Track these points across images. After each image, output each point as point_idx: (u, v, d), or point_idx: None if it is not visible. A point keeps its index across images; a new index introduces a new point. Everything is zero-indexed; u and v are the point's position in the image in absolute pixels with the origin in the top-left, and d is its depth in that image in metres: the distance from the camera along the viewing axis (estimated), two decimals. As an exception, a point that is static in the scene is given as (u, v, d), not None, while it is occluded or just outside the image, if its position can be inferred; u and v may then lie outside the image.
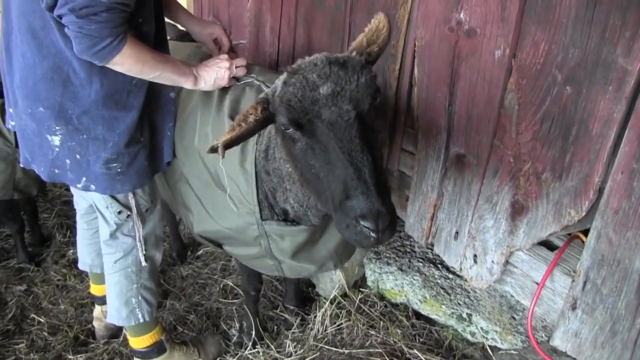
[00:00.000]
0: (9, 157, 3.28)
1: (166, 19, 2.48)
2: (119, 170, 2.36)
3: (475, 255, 2.47)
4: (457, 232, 2.56)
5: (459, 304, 2.89)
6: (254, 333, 3.10)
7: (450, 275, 3.03)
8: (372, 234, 1.62)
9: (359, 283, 3.45)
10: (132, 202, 2.52)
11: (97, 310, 3.19)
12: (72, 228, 4.15)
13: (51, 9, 1.92)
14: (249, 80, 2.48)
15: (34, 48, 2.12)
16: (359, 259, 3.32)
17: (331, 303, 3.24)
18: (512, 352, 2.62)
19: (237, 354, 3.08)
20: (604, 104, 1.76)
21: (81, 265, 3.11)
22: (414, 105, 2.61)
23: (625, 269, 1.87)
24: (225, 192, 2.38)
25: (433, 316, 3.03)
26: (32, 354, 3.06)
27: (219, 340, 3.13)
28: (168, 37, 2.51)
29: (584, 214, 1.93)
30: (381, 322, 3.10)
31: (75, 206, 2.95)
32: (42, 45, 2.10)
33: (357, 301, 3.26)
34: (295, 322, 3.27)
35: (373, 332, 3.03)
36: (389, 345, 2.92)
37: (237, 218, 2.38)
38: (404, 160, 2.85)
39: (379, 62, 2.07)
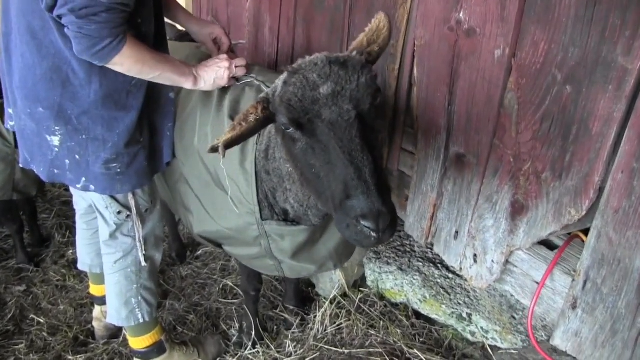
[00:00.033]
0: (8, 157, 3.28)
1: (165, 19, 2.48)
2: (119, 170, 2.36)
3: (475, 255, 2.47)
4: (457, 232, 2.56)
5: (459, 303, 2.89)
6: (253, 333, 3.10)
7: (450, 275, 3.03)
8: (373, 234, 1.62)
9: (359, 283, 3.45)
10: (132, 203, 2.52)
11: (97, 310, 3.18)
12: (71, 228, 4.15)
13: (51, 9, 1.92)
14: (249, 80, 2.48)
15: (33, 48, 2.11)
16: (359, 258, 3.32)
17: (331, 303, 3.24)
18: (512, 351, 2.62)
19: (237, 354, 3.08)
20: (604, 103, 1.76)
21: (81, 266, 3.10)
22: (413, 105, 2.61)
23: (625, 268, 1.87)
24: (225, 192, 2.38)
25: (433, 316, 3.03)
26: (31, 355, 3.06)
27: (218, 341, 3.13)
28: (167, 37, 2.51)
29: (584, 213, 1.93)
30: (381, 322, 3.10)
31: (75, 206, 2.95)
32: (41, 45, 2.10)
33: (357, 301, 3.26)
34: (295, 322, 3.27)
35: (373, 332, 3.03)
36: (389, 345, 2.92)
37: (237, 218, 2.38)
38: (403, 160, 2.85)
39: (379, 62, 2.07)
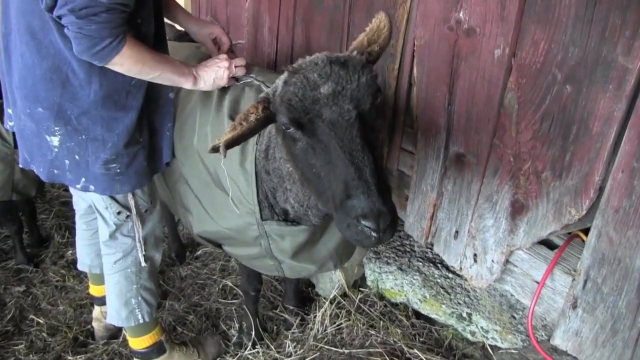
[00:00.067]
0: (7, 157, 3.27)
1: (165, 19, 2.48)
2: (118, 170, 2.36)
3: (475, 255, 2.47)
4: (456, 232, 2.56)
5: (459, 303, 2.89)
6: (253, 333, 3.09)
7: (450, 275, 3.03)
8: (373, 234, 1.62)
9: (359, 283, 3.45)
10: (132, 203, 2.52)
11: (97, 311, 3.18)
12: (70, 229, 4.15)
13: (51, 9, 1.91)
14: (249, 80, 2.47)
15: (33, 48, 2.11)
16: (359, 258, 3.32)
17: (331, 303, 3.24)
18: (513, 351, 2.62)
19: (236, 354, 3.08)
20: (604, 102, 1.76)
21: (80, 266, 3.10)
22: (413, 105, 2.61)
23: (626, 268, 1.87)
24: (224, 191, 2.38)
25: (433, 316, 3.03)
26: (31, 355, 3.05)
27: (218, 341, 3.13)
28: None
29: (584, 212, 1.93)
30: (381, 322, 3.10)
31: (74, 207, 2.94)
32: (41, 45, 2.10)
33: (357, 301, 3.26)
34: (295, 322, 3.26)
35: (373, 332, 3.03)
36: (389, 345, 2.92)
37: (237, 218, 2.38)
38: (403, 160, 2.85)
39: (378, 62, 2.07)
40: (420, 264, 3.15)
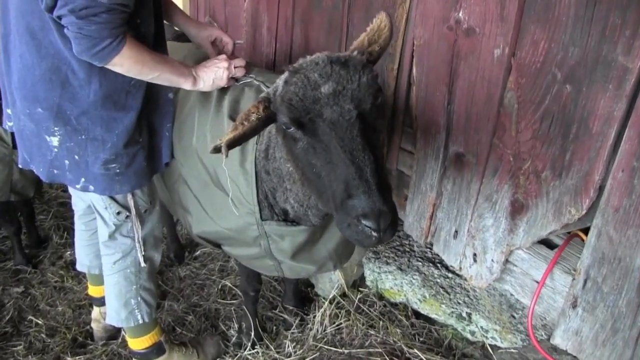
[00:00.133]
0: (5, 158, 3.26)
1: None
2: (118, 171, 2.35)
3: (474, 254, 2.48)
4: (456, 231, 2.56)
5: (459, 303, 2.89)
6: (253, 333, 3.09)
7: (450, 275, 3.03)
8: (374, 233, 1.62)
9: (358, 283, 3.45)
10: (131, 203, 2.51)
11: (96, 311, 3.17)
12: (69, 229, 4.14)
13: (50, 9, 1.91)
14: (248, 81, 2.47)
15: (32, 49, 2.11)
16: (358, 258, 3.32)
17: (330, 303, 3.23)
18: (512, 350, 2.62)
19: (236, 355, 3.07)
20: (604, 102, 1.77)
21: (79, 267, 3.09)
22: (412, 105, 2.62)
23: (626, 267, 1.87)
24: (224, 192, 2.38)
25: (433, 315, 3.03)
26: (30, 356, 3.04)
27: (218, 341, 3.12)
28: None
29: (584, 212, 1.94)
30: (380, 322, 3.10)
31: (73, 207, 2.94)
32: (40, 46, 2.09)
33: (357, 301, 3.26)
34: (295, 322, 3.26)
35: (372, 332, 3.03)
36: (388, 345, 2.92)
37: (237, 218, 2.37)
38: (402, 160, 2.85)
39: (378, 62, 2.07)
40: (420, 263, 3.15)
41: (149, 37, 2.24)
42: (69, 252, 3.89)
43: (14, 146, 2.96)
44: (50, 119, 2.20)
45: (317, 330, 3.11)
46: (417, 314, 3.15)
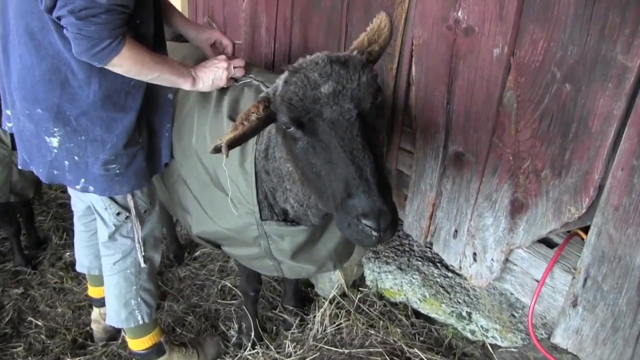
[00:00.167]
0: (4, 159, 3.26)
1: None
2: (118, 171, 2.35)
3: (474, 254, 2.48)
4: (456, 231, 2.56)
5: (459, 302, 2.89)
6: (253, 334, 3.09)
7: (450, 274, 3.03)
8: (374, 233, 1.62)
9: (358, 282, 3.45)
10: (131, 204, 2.51)
11: (95, 312, 3.17)
12: (68, 230, 4.13)
13: (50, 10, 1.91)
14: (247, 81, 2.47)
15: (31, 49, 2.10)
16: (358, 258, 3.32)
17: (330, 303, 3.23)
18: (513, 349, 2.63)
19: (236, 355, 3.07)
20: (604, 101, 1.77)
21: (79, 268, 3.09)
22: (411, 104, 2.62)
23: (626, 266, 1.87)
24: (224, 192, 2.38)
25: (433, 315, 3.03)
26: (30, 358, 3.04)
27: (218, 342, 3.12)
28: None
29: (584, 211, 1.94)
30: (381, 322, 3.10)
31: (73, 208, 2.93)
32: (40, 46, 2.09)
33: (357, 301, 3.26)
34: (295, 322, 3.26)
35: (373, 332, 3.03)
36: (388, 345, 2.92)
37: (237, 218, 2.37)
38: (402, 159, 2.85)
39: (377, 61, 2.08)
40: (420, 263, 3.15)
41: (149, 37, 2.24)
42: (68, 253, 3.89)
43: (14, 147, 2.96)
44: (49, 119, 2.20)
45: (317, 330, 3.11)
46: (417, 314, 3.16)
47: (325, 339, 3.04)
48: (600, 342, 2.05)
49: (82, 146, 2.27)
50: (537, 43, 1.93)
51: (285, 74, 1.80)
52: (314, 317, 3.21)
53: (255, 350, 3.06)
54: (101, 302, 3.00)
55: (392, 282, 3.18)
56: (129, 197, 2.50)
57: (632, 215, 1.80)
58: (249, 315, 3.08)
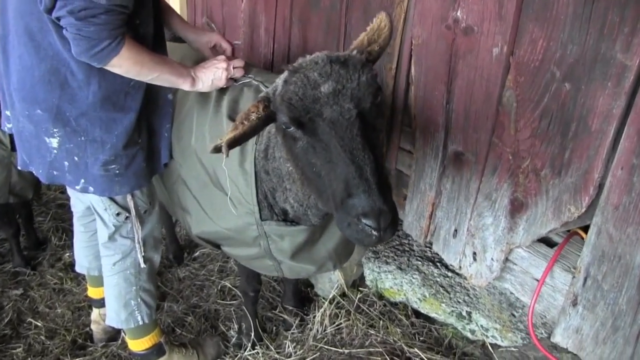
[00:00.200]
0: (4, 160, 3.26)
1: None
2: (117, 172, 2.35)
3: (474, 253, 2.48)
4: (455, 230, 2.56)
5: (459, 302, 2.89)
6: (253, 334, 3.09)
7: (450, 274, 3.03)
8: (374, 232, 1.62)
9: (358, 282, 3.45)
10: (131, 204, 2.51)
11: (95, 313, 3.17)
12: (67, 231, 4.13)
13: (49, 11, 1.90)
14: (247, 81, 2.47)
15: (31, 50, 2.10)
16: (358, 258, 3.32)
17: (330, 303, 3.23)
18: (513, 349, 2.63)
19: (236, 356, 3.08)
20: (603, 99, 1.77)
21: (78, 268, 3.09)
22: (411, 104, 2.62)
23: (626, 265, 1.87)
24: (223, 192, 2.38)
25: (432, 314, 3.03)
26: (29, 359, 3.04)
27: (217, 342, 3.12)
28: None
29: (584, 210, 1.94)
30: (381, 322, 3.10)
31: (72, 209, 2.93)
32: (39, 47, 2.09)
33: (356, 301, 3.26)
34: (295, 322, 3.26)
35: (372, 332, 3.03)
36: (389, 345, 2.92)
37: (236, 218, 2.37)
38: (401, 159, 2.85)
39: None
40: (420, 263, 3.15)
41: (148, 38, 2.24)
42: (67, 254, 3.89)
43: (13, 148, 2.96)
44: (49, 120, 2.20)
45: (317, 331, 3.11)
46: (417, 313, 3.16)
47: (325, 339, 3.04)
48: (601, 341, 2.05)
49: (81, 147, 2.27)
50: (536, 42, 1.93)
51: (285, 73, 1.80)
52: (314, 317, 3.20)
53: (255, 351, 3.06)
54: (101, 303, 2.99)
55: (392, 281, 3.18)
56: (129, 197, 2.49)
57: (632, 214, 1.80)
58: (248, 315, 3.08)
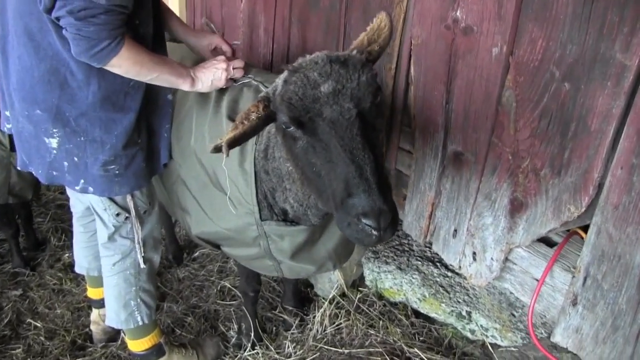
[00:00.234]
0: (3, 160, 3.25)
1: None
2: (117, 172, 2.35)
3: (474, 253, 2.48)
4: (455, 230, 2.56)
5: (458, 301, 2.89)
6: (252, 334, 3.09)
7: (449, 274, 3.03)
8: (374, 232, 1.62)
9: (358, 282, 3.45)
10: (131, 204, 2.51)
11: (95, 313, 3.16)
12: (66, 232, 4.13)
13: (49, 11, 1.90)
14: (247, 81, 2.47)
15: (30, 50, 2.10)
16: (357, 258, 3.32)
17: (330, 303, 3.23)
18: (512, 349, 2.63)
19: (236, 356, 3.07)
20: (603, 99, 1.77)
21: (78, 269, 3.08)
22: (410, 104, 2.62)
23: (626, 264, 1.88)
24: (223, 192, 2.37)
25: (432, 314, 3.03)
26: (29, 359, 3.04)
27: (217, 342, 3.12)
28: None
29: (583, 209, 1.94)
30: (380, 322, 3.10)
31: (72, 209, 2.93)
32: (39, 47, 2.09)
33: (356, 301, 3.26)
34: (294, 322, 3.26)
35: (372, 332, 3.03)
36: (388, 345, 2.92)
37: (236, 219, 2.37)
38: (401, 159, 2.85)
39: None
40: (419, 262, 3.15)
41: (148, 38, 2.24)
42: (67, 255, 3.88)
43: (12, 148, 2.95)
44: (49, 120, 2.20)
45: (317, 331, 3.11)
46: (417, 313, 3.16)
47: (325, 339, 3.04)
48: (600, 341, 2.05)
49: (81, 147, 2.27)
50: (535, 42, 1.93)
51: (285, 73, 1.80)
52: (314, 317, 3.20)
53: (255, 351, 3.06)
54: (100, 303, 2.99)
55: (392, 281, 3.18)
56: (129, 197, 2.49)
57: (631, 214, 1.81)
58: (248, 315, 3.08)
